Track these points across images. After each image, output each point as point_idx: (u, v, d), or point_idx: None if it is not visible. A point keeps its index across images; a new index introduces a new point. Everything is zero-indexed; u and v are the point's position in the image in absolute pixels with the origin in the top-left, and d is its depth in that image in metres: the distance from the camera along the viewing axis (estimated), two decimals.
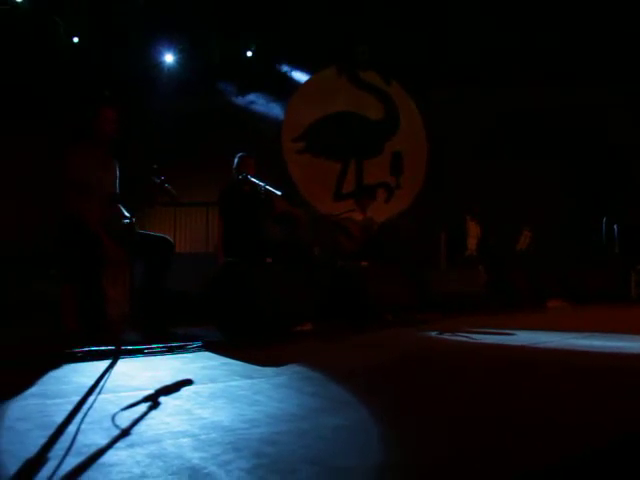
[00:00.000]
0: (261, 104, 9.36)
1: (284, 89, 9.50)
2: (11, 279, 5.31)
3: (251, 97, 9.31)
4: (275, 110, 9.46)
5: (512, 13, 8.46)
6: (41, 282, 4.89)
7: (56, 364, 2.92)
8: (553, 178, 9.87)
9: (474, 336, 4.27)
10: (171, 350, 3.50)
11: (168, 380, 2.54)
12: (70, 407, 2.02)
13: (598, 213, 9.68)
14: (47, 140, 7.01)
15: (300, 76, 9.73)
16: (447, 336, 4.38)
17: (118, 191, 4.21)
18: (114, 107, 4.11)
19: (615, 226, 9.49)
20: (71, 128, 5.61)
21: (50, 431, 1.72)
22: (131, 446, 1.58)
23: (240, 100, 9.23)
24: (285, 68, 9.61)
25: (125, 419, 1.85)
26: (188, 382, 2.52)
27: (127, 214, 4.05)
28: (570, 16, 8.34)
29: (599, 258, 9.23)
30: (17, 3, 7.32)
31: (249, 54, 9.19)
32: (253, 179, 4.94)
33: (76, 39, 8.03)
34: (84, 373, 2.73)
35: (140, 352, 3.38)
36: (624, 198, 9.57)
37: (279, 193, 4.83)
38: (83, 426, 1.77)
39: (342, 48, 9.56)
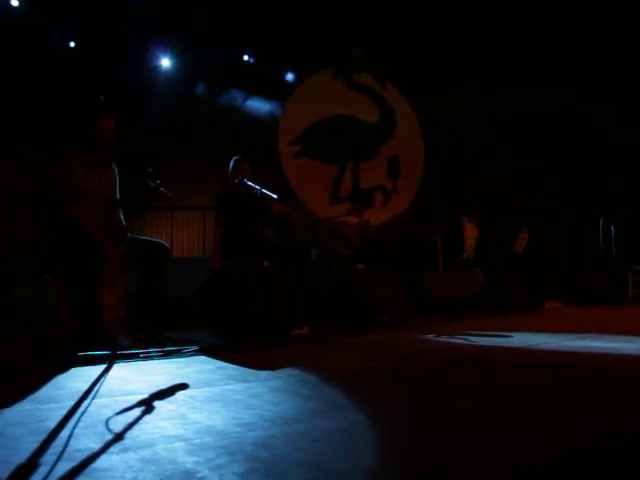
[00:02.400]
0: (257, 108, 9.36)
1: (280, 92, 9.51)
2: (3, 284, 5.29)
3: (247, 101, 9.31)
4: (271, 113, 9.46)
5: (509, 16, 8.47)
6: (36, 287, 4.87)
7: (51, 369, 2.90)
8: (550, 179, 9.87)
9: (471, 338, 4.26)
10: (167, 354, 3.49)
11: (163, 384, 2.53)
12: (64, 412, 2.00)
13: (595, 214, 9.68)
14: (41, 146, 6.99)
15: (296, 79, 9.75)
16: (444, 338, 4.37)
17: (119, 196, 4.19)
18: (112, 117, 4.08)
19: (612, 227, 9.50)
20: (68, 135, 5.59)
21: (43, 436, 1.71)
22: (124, 451, 1.57)
23: (237, 104, 9.22)
24: (281, 71, 9.63)
25: (119, 423, 1.84)
26: (183, 386, 2.50)
27: (124, 221, 4.05)
28: (568, 17, 8.36)
29: (596, 259, 9.24)
30: (12, 7, 7.34)
31: (245, 58, 9.23)
32: (249, 182, 4.94)
33: (72, 44, 8.06)
34: (79, 378, 2.71)
35: (135, 356, 3.36)
36: (621, 198, 9.57)
37: (275, 196, 4.83)
38: (76, 431, 1.76)
39: (338, 51, 9.58)
